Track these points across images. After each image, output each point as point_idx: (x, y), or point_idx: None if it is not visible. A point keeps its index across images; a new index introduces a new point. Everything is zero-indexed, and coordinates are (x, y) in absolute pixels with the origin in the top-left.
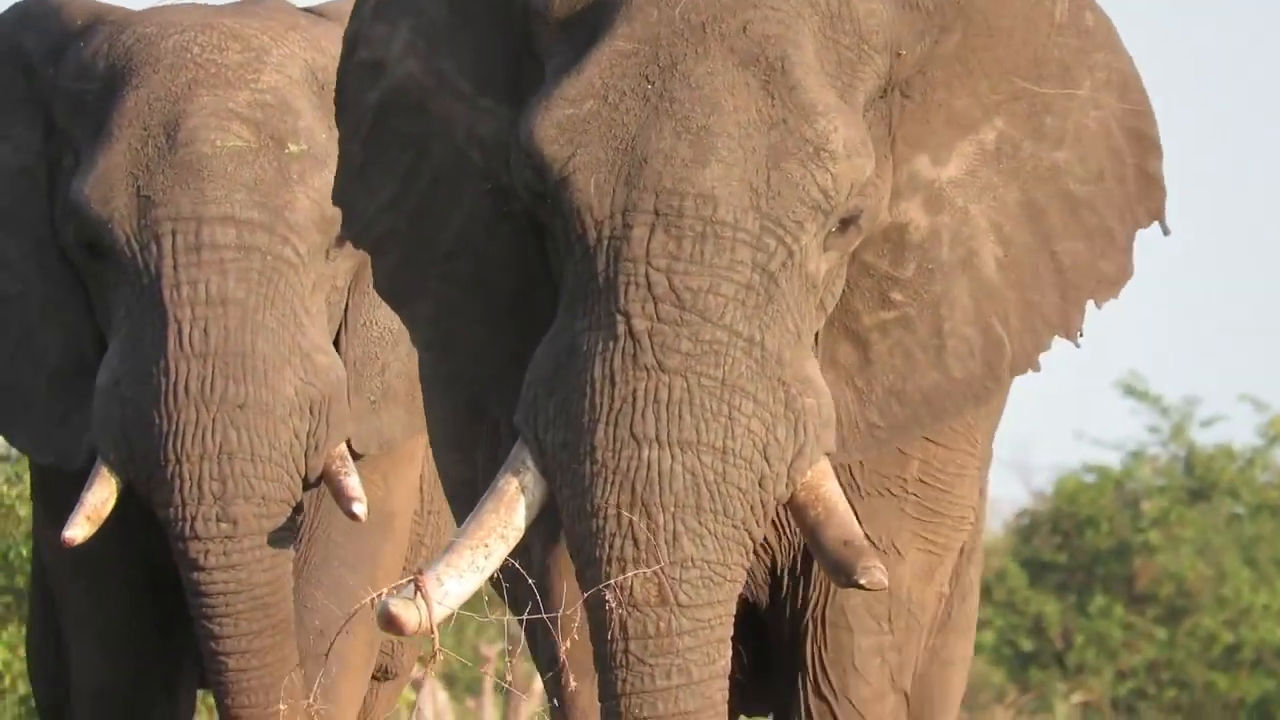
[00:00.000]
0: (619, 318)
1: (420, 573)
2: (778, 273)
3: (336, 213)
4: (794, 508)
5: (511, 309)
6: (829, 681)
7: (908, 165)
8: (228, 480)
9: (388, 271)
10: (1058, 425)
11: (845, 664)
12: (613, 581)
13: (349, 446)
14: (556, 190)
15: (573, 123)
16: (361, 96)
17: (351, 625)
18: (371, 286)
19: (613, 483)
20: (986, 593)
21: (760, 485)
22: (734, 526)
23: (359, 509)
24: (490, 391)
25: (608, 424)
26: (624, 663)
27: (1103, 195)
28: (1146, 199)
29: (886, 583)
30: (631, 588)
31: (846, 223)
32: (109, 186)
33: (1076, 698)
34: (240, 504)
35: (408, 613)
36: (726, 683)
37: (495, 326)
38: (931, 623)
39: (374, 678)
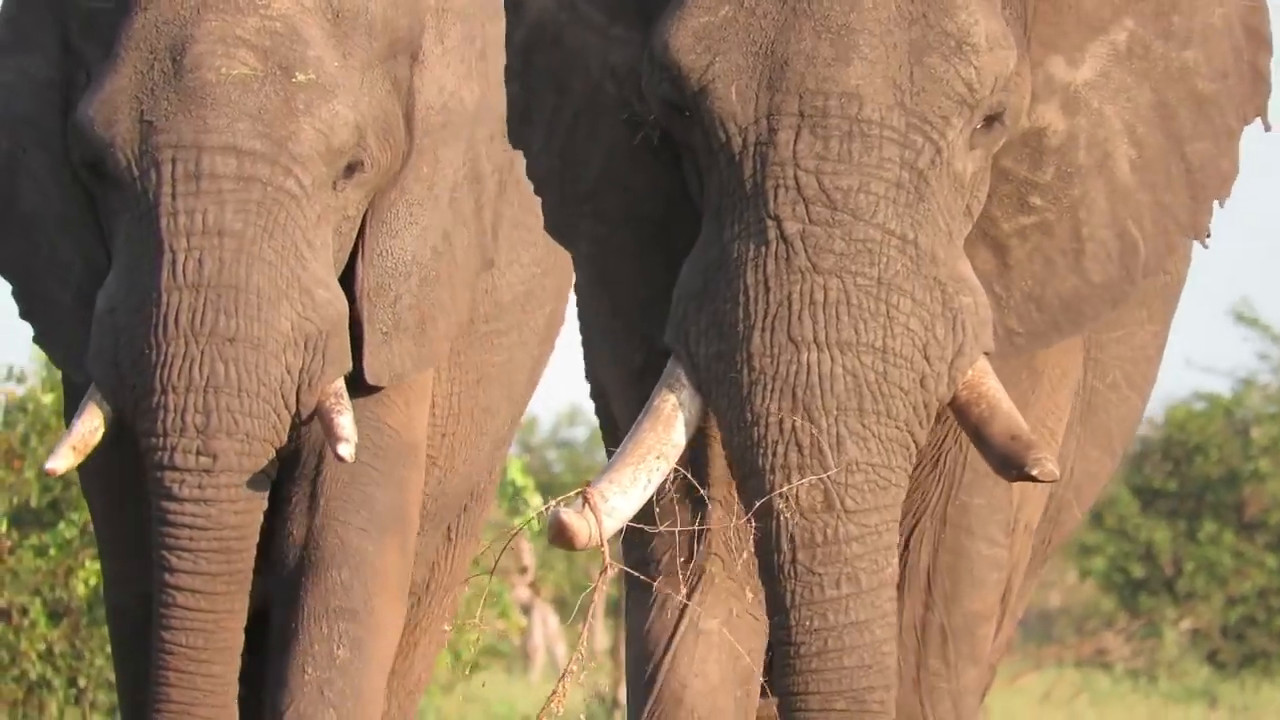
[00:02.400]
0: (769, 222)
1: (589, 485)
2: (927, 170)
3: (344, 143)
4: (957, 407)
5: (658, 238)
6: (945, 592)
7: (1043, 67)
8: (211, 414)
9: (549, 212)
10: (1168, 353)
11: (963, 571)
12: (779, 490)
13: (363, 378)
14: (696, 100)
15: (709, 30)
16: (512, 35)
17: (385, 541)
18: (387, 216)
19: (772, 389)
20: (1097, 519)
21: (922, 385)
22: (897, 428)
23: (345, 450)
24: (648, 321)
25: (764, 330)
26: (792, 573)
27: (1226, 94)
28: (1255, 95)
29: (1058, 473)
30: (797, 495)
31: (991, 119)
32: (113, 109)
33: (1186, 624)
34: (222, 439)
35: (579, 523)
36: (894, 591)
37: (645, 258)
38: (1016, 560)
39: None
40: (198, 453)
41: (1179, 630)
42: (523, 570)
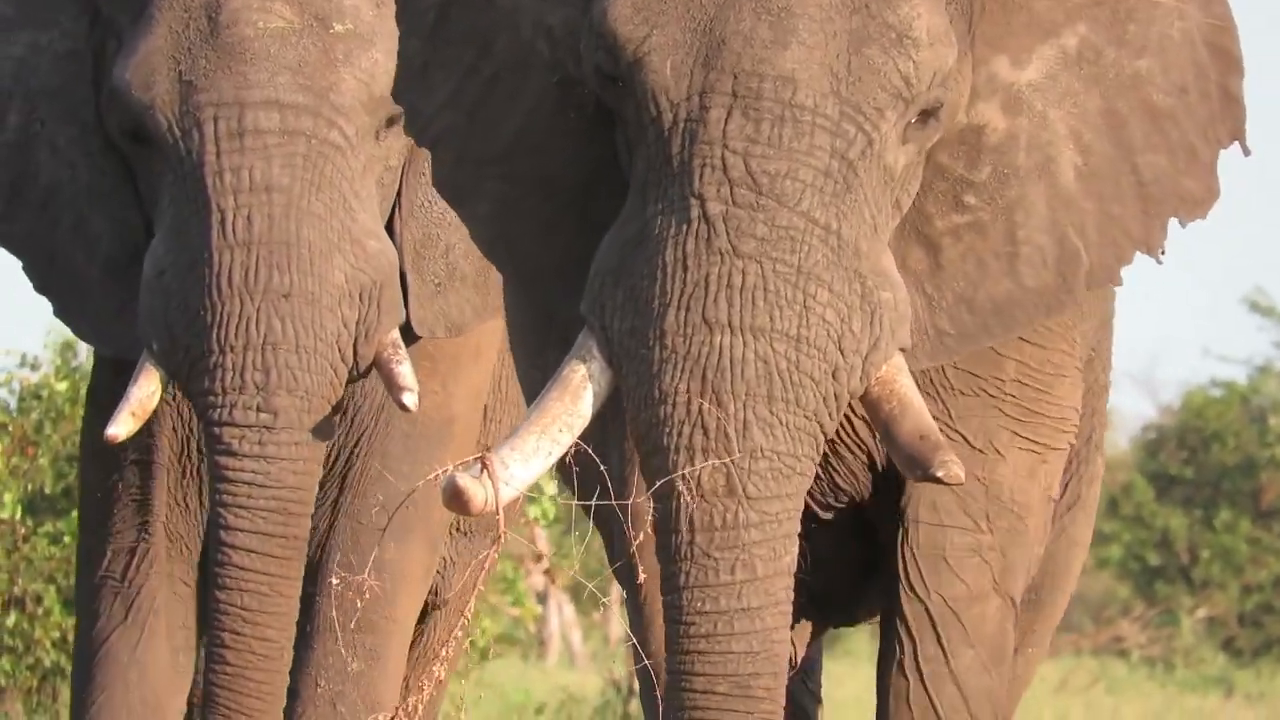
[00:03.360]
0: (693, 201)
1: (488, 450)
2: (856, 161)
3: (385, 91)
4: (868, 403)
5: (574, 205)
6: (922, 580)
7: (986, 66)
8: (271, 371)
9: (446, 169)
10: (1185, 341)
11: (937, 560)
12: (680, 471)
13: (413, 330)
14: (630, 72)
15: (649, 3)
16: None
17: (408, 541)
18: (426, 166)
19: (682, 368)
20: (1113, 507)
21: (834, 377)
22: (805, 417)
23: (409, 399)
24: (553, 289)
25: (679, 309)
26: (688, 555)
27: (1184, 109)
28: (1228, 118)
29: (963, 476)
30: (699, 477)
31: (926, 115)
32: (150, 71)
33: (1202, 612)
34: (283, 395)
35: (474, 489)
36: (791, 580)
37: (557, 224)
38: (1041, 528)
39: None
40: (258, 409)
41: (1195, 618)
42: (538, 557)
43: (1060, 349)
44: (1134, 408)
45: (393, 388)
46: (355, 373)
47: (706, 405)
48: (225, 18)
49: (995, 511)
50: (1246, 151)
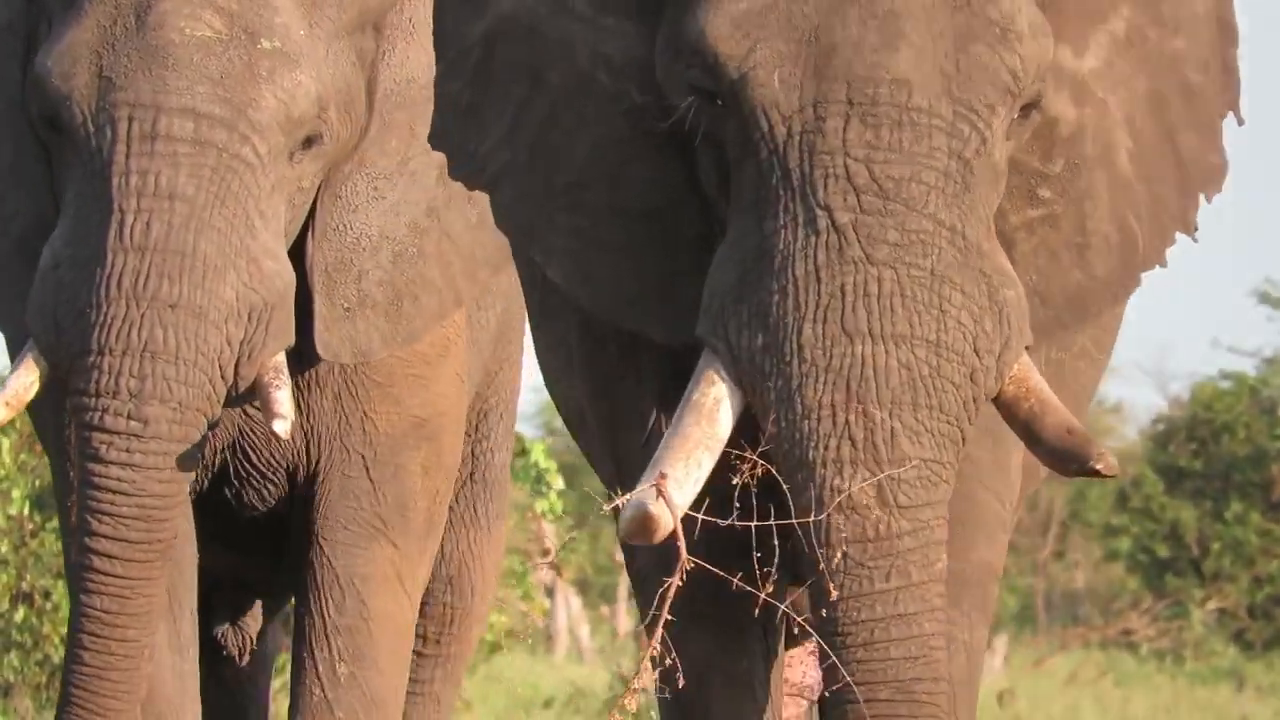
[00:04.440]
0: (820, 212)
1: (663, 477)
2: (972, 160)
3: (304, 113)
4: (1004, 403)
5: (651, 231)
6: (957, 536)
7: (1054, 58)
8: (147, 379)
9: (506, 208)
10: (1194, 333)
11: (977, 520)
12: (829, 484)
13: (315, 355)
14: (735, 89)
15: (748, 16)
16: (464, 29)
17: (374, 547)
18: (343, 190)
19: (824, 381)
20: (1122, 499)
21: (972, 379)
22: (949, 423)
23: (280, 427)
24: (639, 317)
25: (815, 321)
26: (841, 567)
27: (1208, 85)
28: (1227, 89)
29: (1118, 467)
30: (849, 489)
31: (1027, 109)
32: (72, 62)
33: (1212, 604)
34: (155, 405)
35: (664, 515)
36: (944, 587)
37: (634, 251)
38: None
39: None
40: (129, 416)
41: (1205, 610)
42: (545, 552)
43: (1105, 336)
44: (1143, 400)
45: (268, 413)
46: (234, 391)
47: (853, 417)
48: (153, 19)
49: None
50: (1241, 121)
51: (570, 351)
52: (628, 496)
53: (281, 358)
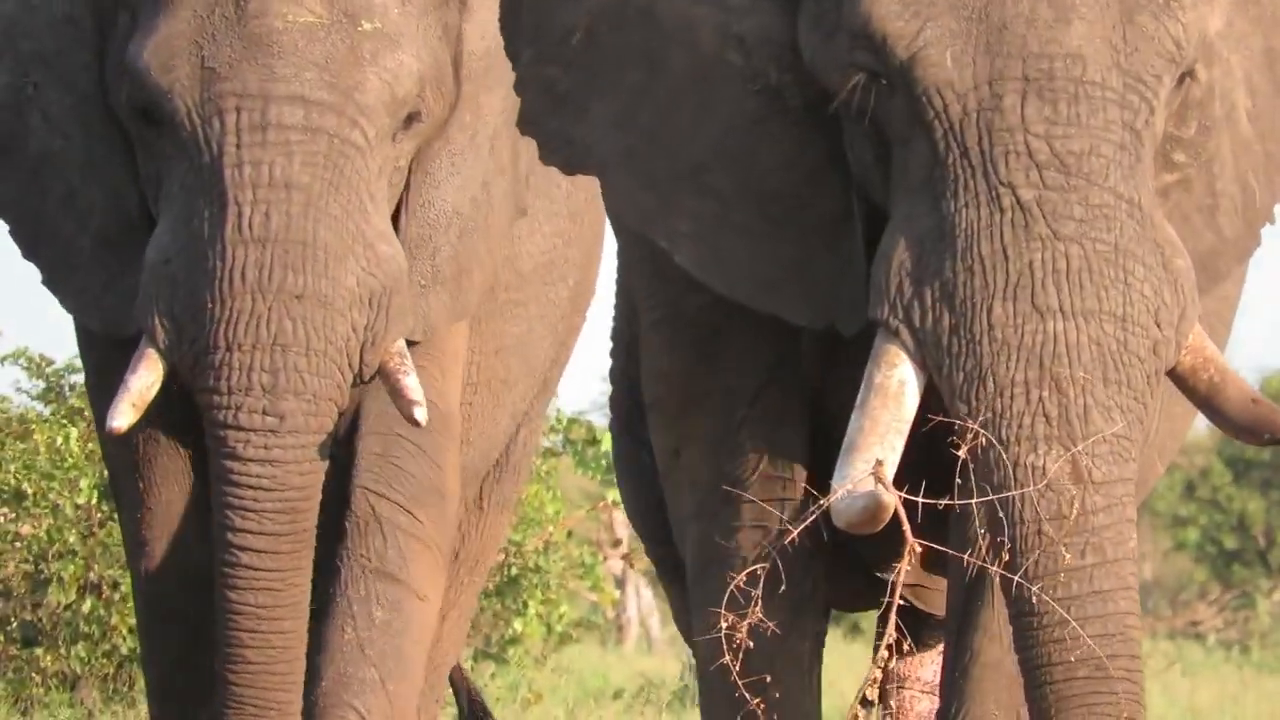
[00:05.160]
0: (1003, 189)
1: (880, 464)
2: (1142, 131)
3: (407, 93)
4: (1181, 374)
5: (787, 214)
6: None
7: None
8: (279, 373)
9: (624, 193)
10: (1262, 324)
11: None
12: (1023, 461)
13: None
14: (905, 69)
15: None
16: (560, 15)
17: (421, 510)
18: (431, 166)
19: (1017, 358)
20: (1190, 490)
21: (1155, 352)
22: (1135, 399)
23: (419, 413)
24: (775, 301)
25: (1005, 299)
26: (1036, 544)
27: None
28: None
29: None
30: (1044, 465)
31: (1184, 77)
32: (170, 54)
33: (1279, 595)
34: (290, 399)
35: (890, 499)
36: (1136, 566)
37: (771, 234)
38: None
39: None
40: (264, 412)
41: (1272, 601)
42: (616, 543)
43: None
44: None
45: (400, 400)
46: (360, 380)
47: (1046, 393)
48: (254, 7)
49: None
50: None
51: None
52: (845, 487)
53: (403, 343)
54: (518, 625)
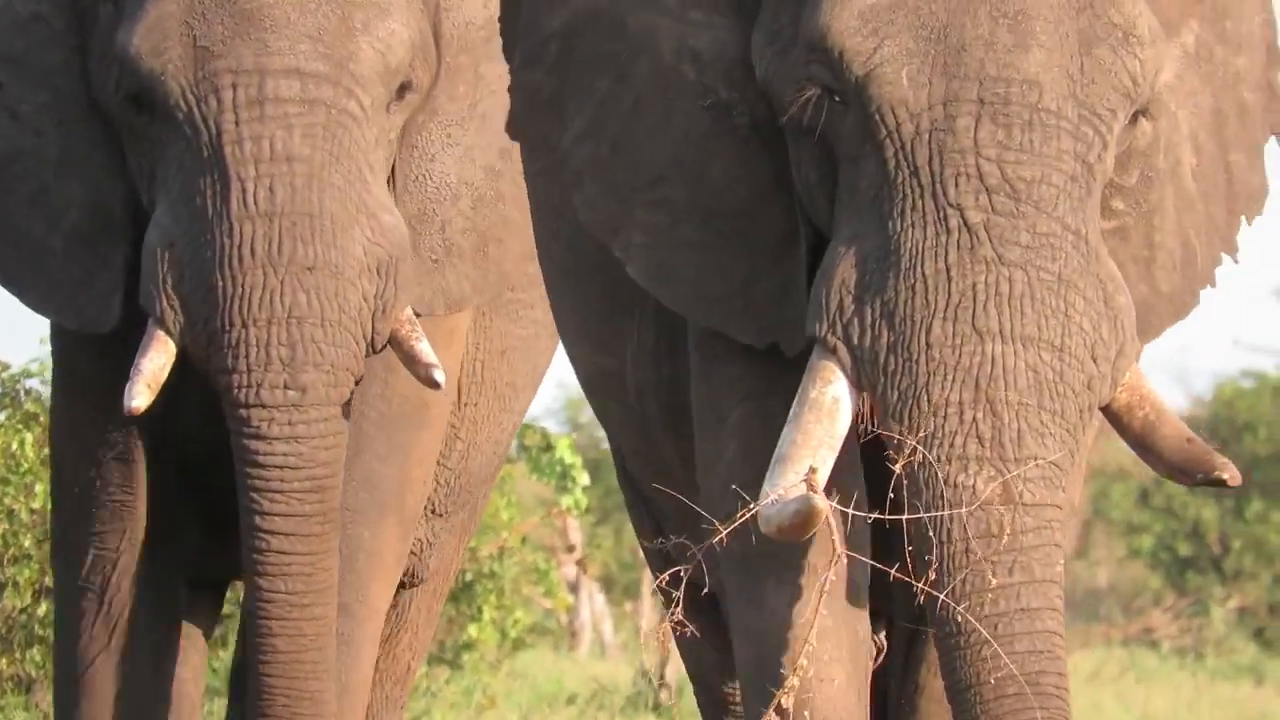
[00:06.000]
0: (951, 211)
1: (813, 472)
2: (1094, 164)
3: (400, 62)
4: (1117, 411)
5: (735, 230)
6: None
7: None
8: (297, 345)
9: (590, 202)
10: (1216, 332)
11: None
12: (953, 480)
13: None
14: (860, 86)
15: (875, 12)
16: (544, 20)
17: (383, 525)
18: (419, 140)
19: (954, 379)
20: (1144, 497)
21: (1090, 387)
22: (1067, 430)
23: (438, 375)
24: (720, 317)
25: (946, 319)
26: (963, 563)
27: (1258, 105)
28: (1273, 111)
29: (1240, 477)
30: (974, 485)
31: (1138, 114)
32: (161, 36)
33: (1233, 602)
34: (310, 371)
35: (823, 505)
36: (1061, 590)
37: (718, 250)
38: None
39: (400, 584)
40: (285, 387)
41: (1226, 608)
42: (570, 548)
43: None
44: (1165, 399)
45: (416, 365)
46: (372, 349)
47: (980, 414)
48: None
49: None
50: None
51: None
52: (776, 494)
53: (410, 311)
54: (472, 630)
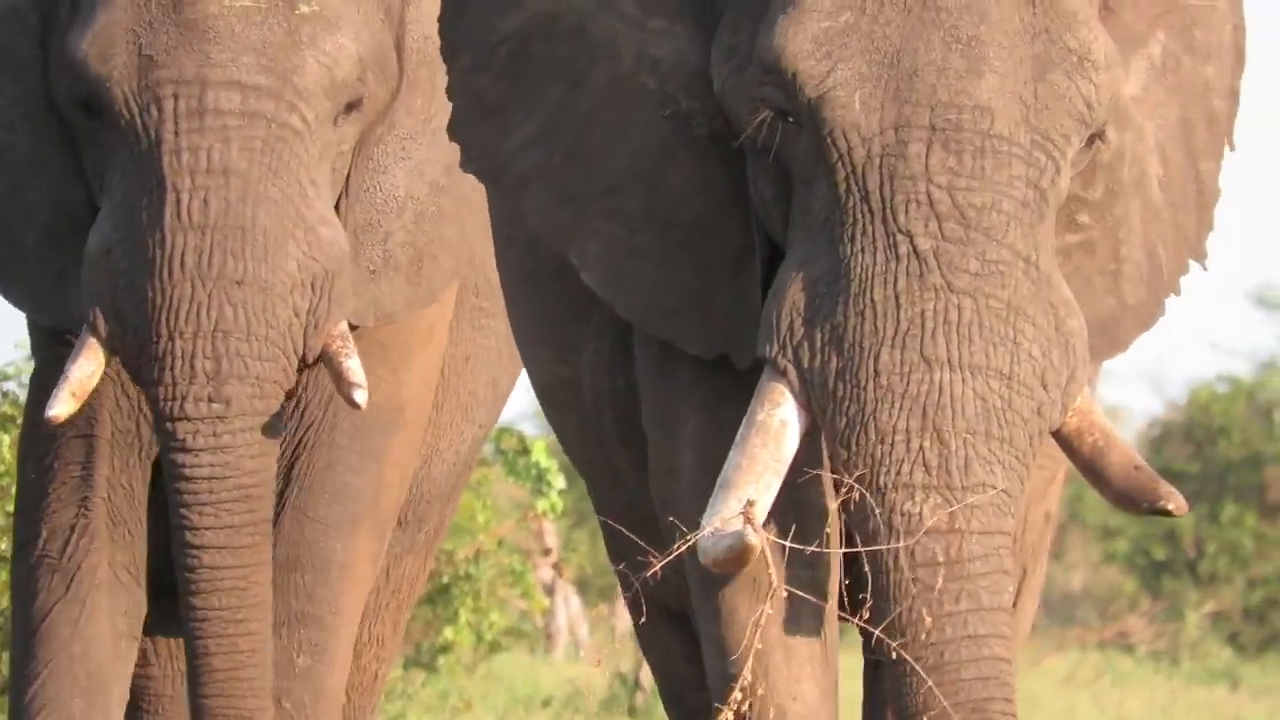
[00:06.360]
0: (900, 237)
1: (750, 505)
2: (1047, 190)
3: (347, 77)
4: (1066, 436)
5: (690, 242)
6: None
7: None
8: (222, 359)
9: (540, 209)
10: (1191, 337)
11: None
12: (900, 509)
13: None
14: (812, 108)
15: (829, 36)
16: (495, 23)
17: (356, 535)
18: (375, 152)
19: (901, 406)
20: None
21: (1039, 413)
22: (1016, 457)
23: (360, 396)
24: (673, 329)
25: (894, 347)
26: (909, 590)
27: (1225, 113)
28: (1234, 117)
29: (1186, 506)
30: (921, 513)
31: (1092, 138)
32: (108, 43)
33: (1208, 606)
34: (234, 384)
35: (755, 540)
36: (1009, 617)
37: (674, 261)
38: (1035, 546)
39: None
40: (209, 399)
41: (1201, 612)
42: (546, 551)
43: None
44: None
45: (341, 383)
46: (304, 363)
47: (927, 442)
48: None
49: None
50: (1232, 147)
51: (545, 322)
52: (714, 524)
53: (345, 326)
54: (448, 633)
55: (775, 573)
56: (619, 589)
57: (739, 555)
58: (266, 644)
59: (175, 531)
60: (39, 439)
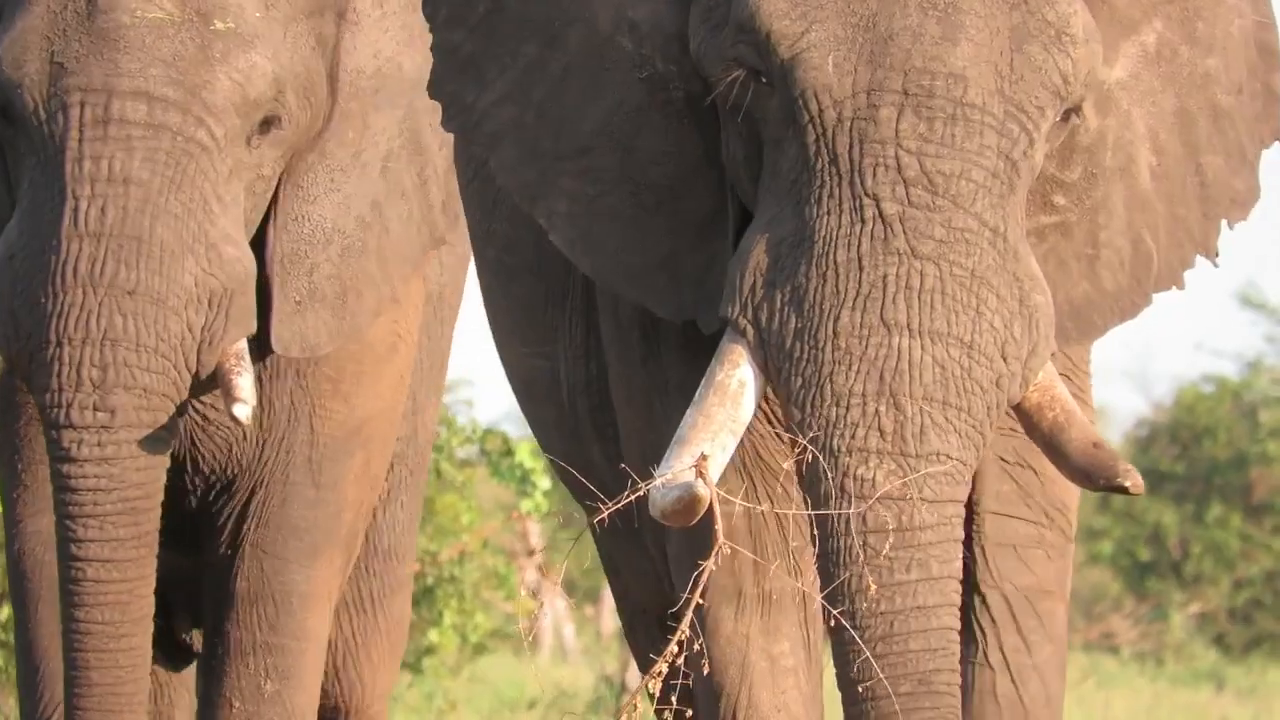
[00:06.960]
0: (866, 201)
1: (704, 458)
2: (1019, 161)
3: (260, 95)
4: (1027, 411)
5: (661, 204)
6: (993, 570)
7: None
8: (109, 368)
9: (508, 166)
10: (1177, 337)
11: (1007, 550)
12: (853, 473)
13: (271, 346)
14: (786, 69)
15: None
16: None
17: (316, 565)
18: (304, 180)
19: (858, 370)
20: (1104, 502)
21: (998, 385)
22: (973, 427)
23: (241, 411)
24: (640, 291)
25: (854, 309)
26: (860, 557)
27: (1239, 109)
28: (1271, 116)
29: (1144, 486)
30: (874, 479)
31: (1068, 113)
32: (23, 49)
33: (1193, 607)
34: (120, 393)
35: (705, 492)
36: (960, 586)
37: (644, 224)
38: (1073, 530)
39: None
40: (95, 408)
41: (1186, 613)
42: (531, 552)
43: (1084, 351)
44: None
45: (229, 398)
46: (197, 379)
47: (883, 407)
48: (104, 2)
49: (1051, 512)
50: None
51: (520, 315)
52: (665, 477)
53: (243, 344)
54: (433, 635)
55: (720, 527)
56: (604, 590)
57: (688, 506)
58: (147, 659)
59: (59, 545)
60: (10, 436)
